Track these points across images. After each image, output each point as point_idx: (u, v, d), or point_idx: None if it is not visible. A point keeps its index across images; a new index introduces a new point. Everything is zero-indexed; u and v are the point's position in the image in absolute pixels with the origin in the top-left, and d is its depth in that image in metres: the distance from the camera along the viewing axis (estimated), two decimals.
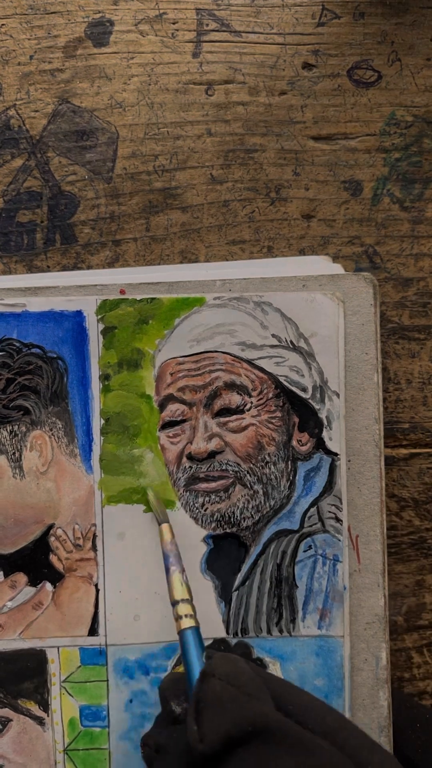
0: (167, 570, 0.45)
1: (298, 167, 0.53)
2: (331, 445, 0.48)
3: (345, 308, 0.49)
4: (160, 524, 0.47)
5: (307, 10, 0.53)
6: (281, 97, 0.53)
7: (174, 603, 0.44)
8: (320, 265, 0.50)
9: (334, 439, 0.48)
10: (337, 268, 0.50)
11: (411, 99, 0.53)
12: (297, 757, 0.34)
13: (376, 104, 0.53)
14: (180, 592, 0.44)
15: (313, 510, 0.49)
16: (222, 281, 0.49)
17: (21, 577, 0.48)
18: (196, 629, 0.42)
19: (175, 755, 0.38)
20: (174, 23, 0.52)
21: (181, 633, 0.43)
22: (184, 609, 0.43)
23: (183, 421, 0.48)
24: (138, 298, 0.48)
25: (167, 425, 0.48)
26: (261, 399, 0.48)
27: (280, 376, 0.48)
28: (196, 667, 0.41)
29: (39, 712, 0.48)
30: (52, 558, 0.48)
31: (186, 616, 0.43)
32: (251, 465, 0.48)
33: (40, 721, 0.48)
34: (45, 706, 0.48)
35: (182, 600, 0.43)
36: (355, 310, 0.49)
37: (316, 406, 0.48)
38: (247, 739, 0.35)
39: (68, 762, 0.48)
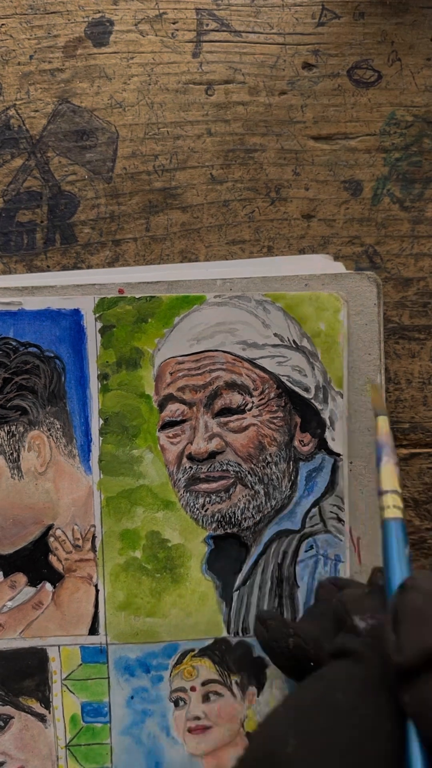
0: (379, 460, 0.42)
1: (298, 167, 0.53)
2: (334, 446, 0.48)
3: (348, 308, 0.48)
4: (377, 416, 0.44)
5: (307, 10, 0.53)
6: (281, 97, 0.53)
7: (381, 493, 0.40)
8: (321, 263, 0.50)
9: (337, 439, 0.48)
10: (339, 267, 0.50)
11: (411, 99, 0.53)
12: None
13: (376, 104, 0.53)
14: (389, 482, 0.40)
15: (314, 510, 0.48)
16: (222, 280, 0.48)
17: (21, 578, 0.48)
18: (402, 523, 0.39)
19: (372, 663, 0.36)
20: (174, 23, 0.52)
21: (384, 523, 0.39)
22: (392, 499, 0.39)
23: (183, 421, 0.48)
24: (137, 296, 0.48)
25: (167, 425, 0.48)
26: (262, 399, 0.48)
27: (282, 375, 0.48)
28: (396, 565, 0.38)
29: (40, 709, 0.48)
30: (52, 558, 0.48)
31: (393, 506, 0.39)
32: (252, 465, 0.48)
33: (42, 718, 0.48)
34: (46, 703, 0.48)
35: (391, 490, 0.40)
36: (359, 309, 0.49)
37: (319, 407, 0.48)
38: None
39: (70, 757, 0.48)
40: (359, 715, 0.34)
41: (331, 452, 0.48)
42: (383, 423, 0.44)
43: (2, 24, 0.52)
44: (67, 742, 0.48)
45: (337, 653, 0.38)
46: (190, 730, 0.48)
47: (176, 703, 0.48)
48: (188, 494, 0.48)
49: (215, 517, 0.48)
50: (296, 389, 0.48)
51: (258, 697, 0.49)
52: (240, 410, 0.48)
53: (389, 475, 0.41)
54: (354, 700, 0.35)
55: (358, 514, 0.49)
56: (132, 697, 0.48)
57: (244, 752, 0.36)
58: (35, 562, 0.48)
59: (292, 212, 0.53)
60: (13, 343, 0.48)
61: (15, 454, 0.48)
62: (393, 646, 0.34)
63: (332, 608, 0.41)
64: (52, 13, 0.52)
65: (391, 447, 0.42)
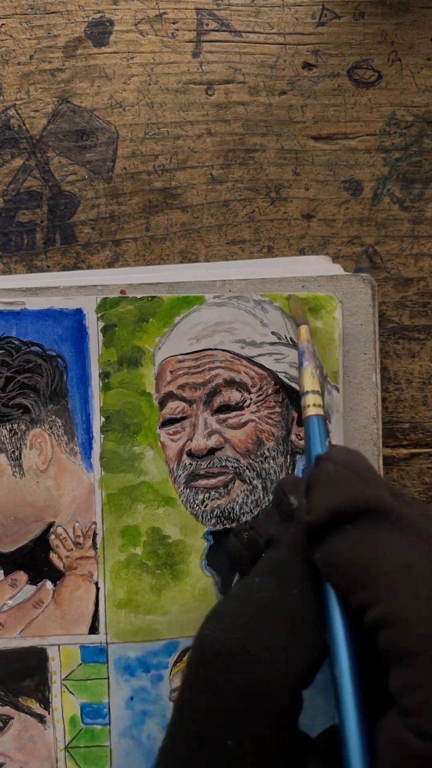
0: (300, 364, 0.45)
1: (298, 167, 0.53)
2: (331, 440, 0.48)
3: (344, 307, 0.49)
4: (298, 326, 0.47)
5: (307, 9, 0.53)
6: (281, 97, 0.53)
7: (303, 393, 0.44)
8: (320, 265, 0.51)
9: (334, 433, 0.48)
10: (337, 269, 0.50)
11: (411, 99, 0.53)
12: (409, 538, 0.33)
13: (376, 104, 0.53)
14: (310, 384, 0.44)
15: None
16: (222, 281, 0.49)
17: (21, 576, 0.48)
18: (323, 418, 0.43)
19: (289, 546, 0.38)
20: (174, 23, 0.53)
21: (307, 419, 0.43)
22: (312, 399, 0.43)
23: (183, 418, 0.48)
24: (138, 297, 0.48)
25: (167, 423, 0.49)
26: (260, 395, 0.48)
27: (280, 372, 0.48)
28: (319, 453, 0.40)
29: (40, 710, 0.48)
30: (53, 556, 0.48)
31: (314, 405, 0.43)
32: (251, 460, 0.48)
33: (41, 719, 0.48)
34: (46, 704, 0.48)
35: (312, 391, 0.44)
36: (354, 310, 0.49)
37: None
38: (357, 517, 0.34)
39: (69, 759, 0.48)
40: (266, 588, 0.37)
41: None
42: (304, 331, 0.47)
43: (2, 24, 0.52)
44: (67, 744, 0.48)
45: (266, 544, 0.41)
46: None
47: None
48: (188, 490, 0.48)
49: (214, 513, 0.48)
50: (293, 385, 0.48)
51: None
52: (238, 407, 0.48)
53: (309, 377, 0.44)
54: (265, 580, 0.37)
55: None
56: (132, 698, 0.48)
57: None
58: (36, 560, 0.48)
59: (292, 212, 0.53)
60: (16, 342, 0.48)
61: (17, 452, 0.48)
62: (304, 509, 0.36)
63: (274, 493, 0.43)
64: (52, 13, 0.52)
65: (310, 352, 0.46)
